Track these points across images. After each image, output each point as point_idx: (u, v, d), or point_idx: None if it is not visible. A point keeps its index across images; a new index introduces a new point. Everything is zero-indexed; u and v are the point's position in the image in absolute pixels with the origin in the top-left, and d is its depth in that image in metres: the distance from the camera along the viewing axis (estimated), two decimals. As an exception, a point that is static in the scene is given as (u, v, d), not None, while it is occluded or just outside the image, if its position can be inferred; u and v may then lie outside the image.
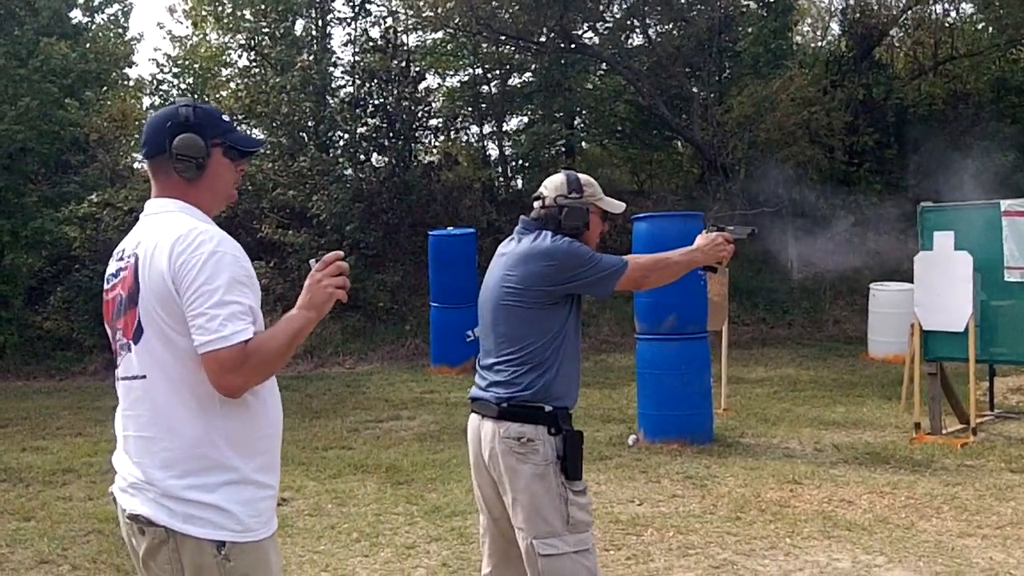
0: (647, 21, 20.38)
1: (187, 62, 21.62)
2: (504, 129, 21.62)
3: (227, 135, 2.60)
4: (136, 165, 20.13)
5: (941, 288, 8.45)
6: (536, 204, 3.74)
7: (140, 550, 2.45)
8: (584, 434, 3.58)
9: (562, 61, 20.23)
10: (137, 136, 19.23)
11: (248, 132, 17.87)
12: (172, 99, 20.76)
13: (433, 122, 19.79)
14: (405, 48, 18.89)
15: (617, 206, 3.77)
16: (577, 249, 3.58)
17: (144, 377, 2.45)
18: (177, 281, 2.37)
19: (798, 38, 23.33)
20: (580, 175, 3.76)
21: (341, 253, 2.59)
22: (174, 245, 2.39)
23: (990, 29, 21.38)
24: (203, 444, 2.41)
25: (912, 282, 9.02)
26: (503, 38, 20.09)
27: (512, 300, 3.55)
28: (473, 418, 3.68)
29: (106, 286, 2.61)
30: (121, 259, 2.56)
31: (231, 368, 2.35)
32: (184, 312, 2.37)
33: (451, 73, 22.39)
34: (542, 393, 3.49)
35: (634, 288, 3.90)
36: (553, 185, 3.71)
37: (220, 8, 20.36)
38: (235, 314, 2.36)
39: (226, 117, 2.71)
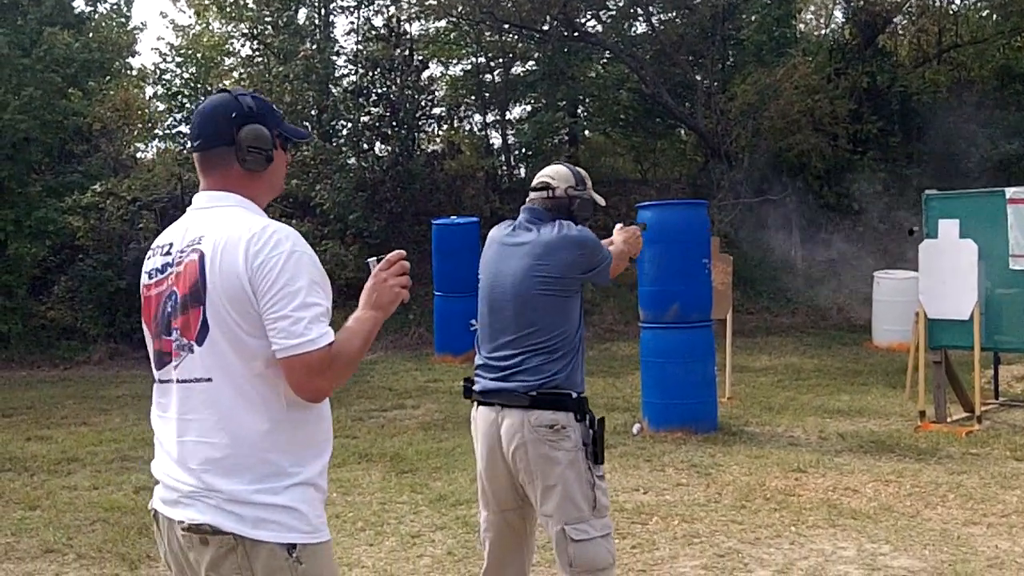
0: (650, 9, 20.32)
1: (190, 51, 21.56)
2: (507, 118, 21.58)
3: (281, 125, 2.55)
4: (140, 155, 20.15)
5: (946, 276, 8.43)
6: (543, 194, 3.74)
7: (203, 562, 2.31)
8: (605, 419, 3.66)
9: (565, 49, 20.17)
10: (140, 125, 19.24)
11: None
12: (181, 87, 20.84)
13: (436, 111, 19.77)
14: (408, 37, 18.87)
15: (601, 200, 3.91)
16: (596, 239, 3.70)
17: (209, 380, 2.33)
18: (255, 282, 2.28)
19: (802, 26, 23.28)
20: (577, 168, 3.89)
21: (403, 252, 2.52)
22: (249, 244, 2.29)
23: (994, 16, 21.32)
24: (270, 448, 2.32)
25: (916, 270, 9.00)
26: (506, 26, 20.05)
27: (547, 289, 3.58)
28: (485, 411, 3.64)
29: (146, 280, 2.49)
30: (168, 254, 2.44)
31: (318, 372, 2.28)
32: (261, 314, 2.28)
33: (454, 62, 22.34)
34: (569, 380, 3.55)
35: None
36: (562, 176, 3.77)
37: (222, -3, 20.33)
38: (318, 317, 2.29)
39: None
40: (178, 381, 2.37)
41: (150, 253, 2.53)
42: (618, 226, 4.09)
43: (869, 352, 13.69)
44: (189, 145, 2.54)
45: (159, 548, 2.50)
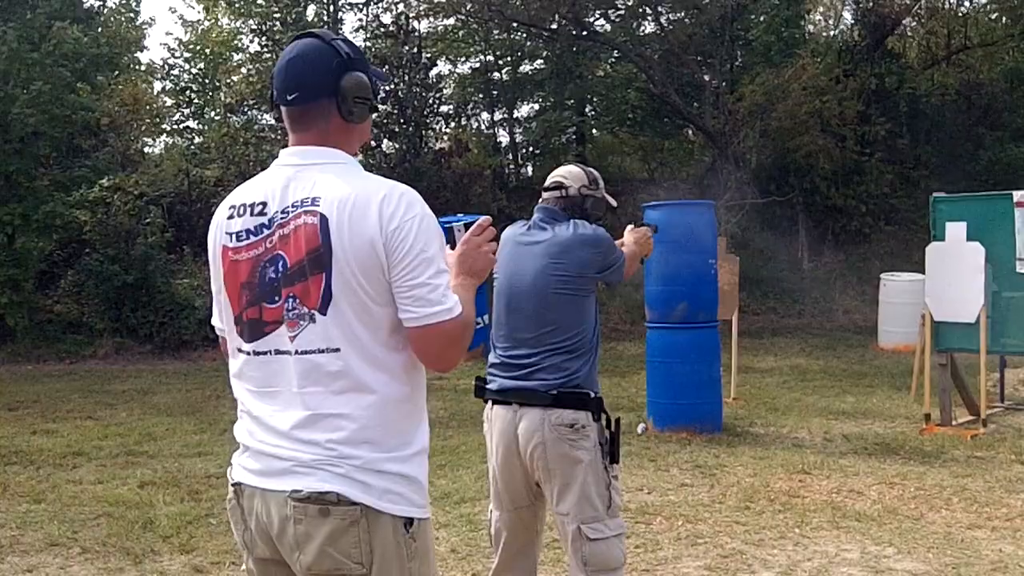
0: (659, 8, 20.32)
1: (198, 47, 21.63)
2: (515, 116, 21.62)
3: (369, 70, 2.33)
4: (147, 150, 20.19)
5: (953, 279, 8.42)
6: (556, 193, 3.76)
7: (317, 535, 2.15)
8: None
9: (573, 48, 20.19)
10: (148, 121, 19.27)
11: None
12: (189, 83, 20.79)
13: (444, 109, 19.81)
14: (416, 34, 18.87)
15: (612, 201, 3.94)
16: (610, 238, 3.72)
17: (338, 350, 2.16)
18: (390, 247, 2.13)
19: (810, 27, 23.26)
20: (589, 168, 3.92)
21: (490, 218, 2.44)
22: (382, 206, 2.14)
23: (1004, 19, 21.28)
24: (398, 418, 2.22)
25: (923, 273, 8.99)
26: (514, 25, 20.06)
27: (565, 288, 3.60)
28: (501, 410, 3.64)
29: (232, 243, 2.27)
30: (262, 214, 2.24)
31: (455, 341, 2.20)
32: (391, 281, 2.15)
33: (462, 60, 22.38)
34: (587, 379, 3.58)
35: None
36: (575, 176, 3.80)
37: (231, -7, 20.37)
38: (449, 285, 2.20)
39: None
40: (300, 352, 2.19)
41: (228, 212, 2.30)
42: (629, 227, 4.10)
43: (875, 354, 13.67)
44: (278, 98, 2.28)
45: (235, 527, 2.35)
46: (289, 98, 2.26)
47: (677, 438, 8.18)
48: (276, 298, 2.22)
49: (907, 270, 14.23)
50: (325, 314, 2.17)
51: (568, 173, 3.81)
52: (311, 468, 2.16)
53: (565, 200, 3.75)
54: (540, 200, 3.85)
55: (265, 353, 2.25)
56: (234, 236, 2.27)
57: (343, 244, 2.13)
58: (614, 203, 3.92)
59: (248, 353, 2.28)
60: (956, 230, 8.46)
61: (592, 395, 3.57)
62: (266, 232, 2.23)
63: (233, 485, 2.33)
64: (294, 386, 2.21)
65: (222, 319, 2.38)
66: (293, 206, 2.20)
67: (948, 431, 8.34)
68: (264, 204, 2.25)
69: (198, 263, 16.42)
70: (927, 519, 5.89)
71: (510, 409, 3.61)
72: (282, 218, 2.21)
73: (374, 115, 2.39)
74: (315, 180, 2.21)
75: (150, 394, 11.53)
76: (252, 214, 2.26)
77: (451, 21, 21.10)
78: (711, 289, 8.66)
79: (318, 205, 2.17)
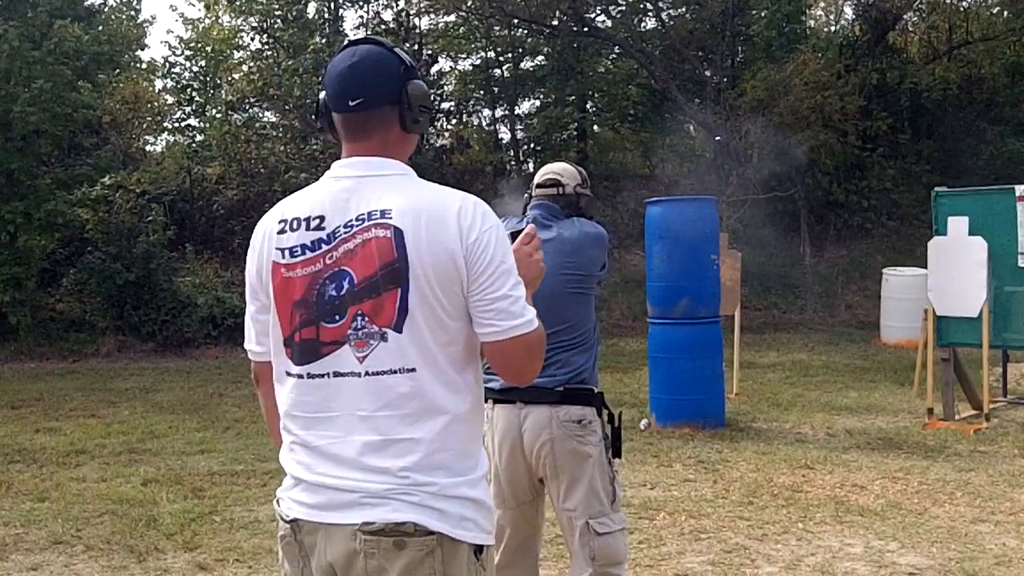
0: (660, 4, 20.32)
1: (199, 45, 21.62)
2: (516, 112, 21.60)
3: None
4: (149, 148, 20.19)
5: (955, 274, 8.42)
6: (552, 191, 3.74)
7: (392, 570, 2.03)
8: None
9: (575, 44, 20.17)
10: (149, 119, 19.28)
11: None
12: (190, 80, 20.82)
13: (445, 105, 19.81)
14: (417, 31, 18.88)
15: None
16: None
17: (413, 370, 2.06)
18: (471, 260, 2.05)
19: (811, 22, 23.22)
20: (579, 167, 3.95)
21: (535, 227, 2.40)
22: (460, 218, 2.06)
23: (1005, 13, 21.24)
24: (467, 439, 2.13)
25: (926, 267, 8.99)
26: (515, 21, 20.05)
27: (576, 287, 3.62)
28: (503, 410, 3.62)
29: (284, 259, 2.14)
30: (320, 228, 2.12)
31: (537, 352, 2.14)
32: (469, 295, 2.07)
33: (463, 56, 22.35)
34: (592, 375, 3.62)
35: None
36: (570, 174, 3.80)
37: (232, -10, 20.35)
38: (526, 295, 2.13)
39: None
40: (371, 374, 2.07)
41: (280, 227, 2.17)
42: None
43: (877, 349, 13.67)
44: (336, 105, 2.17)
45: (289, 565, 2.18)
46: (352, 104, 2.14)
47: (680, 434, 8.18)
48: (338, 317, 2.09)
49: (909, 265, 14.22)
50: (400, 331, 2.06)
51: (563, 171, 3.80)
52: (382, 498, 2.05)
53: (563, 198, 3.75)
54: (533, 196, 3.81)
55: (322, 376, 2.11)
56: (287, 252, 2.14)
57: (421, 258, 2.04)
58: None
59: (300, 376, 2.14)
60: (958, 225, 8.46)
61: (596, 390, 3.60)
62: (325, 247, 2.11)
63: (289, 522, 2.16)
64: (361, 410, 2.08)
65: (261, 341, 2.25)
66: (359, 219, 2.09)
67: (951, 426, 8.35)
68: (321, 218, 2.13)
69: (200, 261, 16.44)
70: (930, 513, 5.89)
71: (514, 408, 3.60)
72: (345, 232, 2.09)
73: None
74: (381, 192, 2.10)
75: (152, 392, 11.54)
76: (308, 228, 2.13)
77: (452, 18, 21.08)
78: (713, 285, 8.65)
79: (390, 218, 2.06)
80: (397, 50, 2.19)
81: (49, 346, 15.04)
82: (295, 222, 2.15)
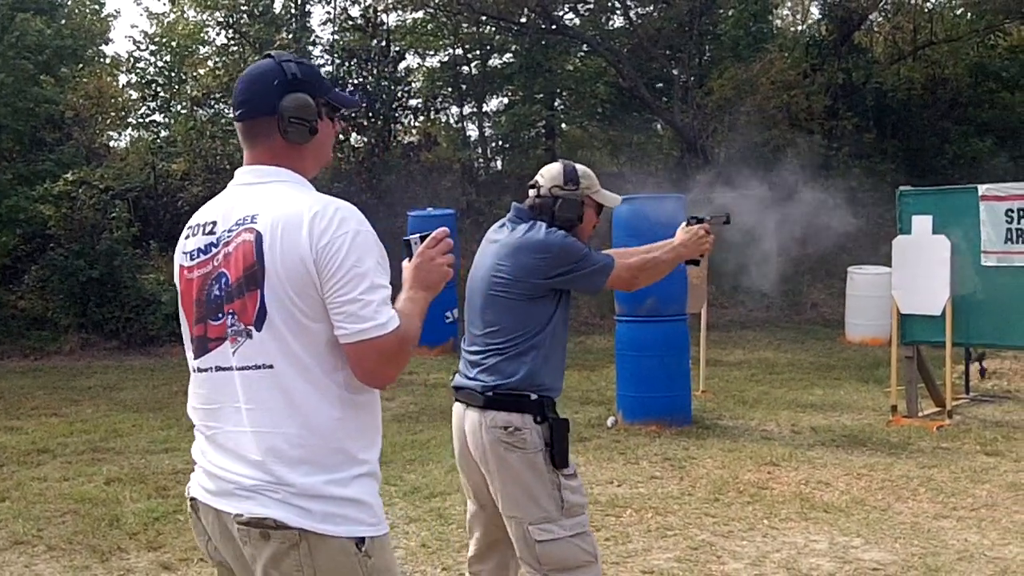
0: (628, 3, 20.39)
1: (164, 39, 21.38)
2: (484, 110, 21.57)
3: (328, 93, 2.37)
4: (113, 143, 19.97)
5: (919, 272, 8.49)
6: (531, 193, 3.67)
7: (260, 557, 2.18)
8: (569, 421, 3.54)
9: (543, 42, 20.19)
10: (113, 114, 19.06)
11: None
12: (155, 76, 20.67)
13: (413, 102, 19.75)
14: (385, 27, 18.81)
15: (613, 199, 3.71)
16: (571, 244, 3.50)
17: (271, 367, 2.18)
18: (320, 264, 2.14)
19: (778, 21, 23.38)
20: (578, 166, 3.68)
21: (447, 229, 2.43)
22: (313, 223, 2.15)
23: (969, 15, 21.46)
24: (343, 437, 2.22)
25: (890, 266, 9.06)
26: (484, 18, 20.03)
27: (501, 291, 3.48)
28: (457, 407, 3.60)
29: (186, 262, 2.33)
30: (211, 233, 2.29)
31: (390, 357, 2.18)
32: (324, 297, 2.16)
33: (431, 53, 22.31)
34: (527, 381, 3.44)
35: (625, 288, 3.89)
36: (549, 175, 3.63)
37: (198, -15, 20.18)
38: (385, 300, 2.18)
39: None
40: (238, 368, 2.23)
41: (187, 232, 2.37)
42: (682, 225, 3.86)
43: (842, 347, 13.77)
44: (232, 113, 2.35)
45: (197, 538, 2.40)
46: (236, 113, 2.33)
47: (646, 431, 8.20)
48: (220, 315, 2.26)
49: (874, 263, 14.32)
50: (260, 330, 2.19)
51: (545, 171, 3.68)
52: (251, 492, 2.19)
53: (537, 200, 3.64)
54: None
55: (207, 370, 2.29)
56: (188, 255, 2.33)
57: (275, 261, 2.16)
58: (614, 202, 3.71)
59: (195, 370, 2.33)
60: (922, 223, 8.54)
61: (533, 397, 3.44)
62: (214, 251, 2.28)
63: (190, 499, 2.37)
64: (236, 403, 2.24)
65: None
66: (237, 224, 2.24)
67: (914, 423, 8.42)
68: (214, 223, 2.30)
69: (164, 258, 16.26)
70: (894, 509, 5.94)
71: (459, 407, 3.58)
72: (227, 236, 2.26)
73: (343, 134, 2.38)
74: (256, 198, 2.25)
75: (116, 390, 11.42)
76: (204, 233, 2.32)
77: (420, 14, 21.04)
78: (680, 283, 8.67)
79: (256, 223, 2.21)
80: (287, 63, 2.31)
81: (10, 344, 14.84)
82: (196, 227, 2.35)
